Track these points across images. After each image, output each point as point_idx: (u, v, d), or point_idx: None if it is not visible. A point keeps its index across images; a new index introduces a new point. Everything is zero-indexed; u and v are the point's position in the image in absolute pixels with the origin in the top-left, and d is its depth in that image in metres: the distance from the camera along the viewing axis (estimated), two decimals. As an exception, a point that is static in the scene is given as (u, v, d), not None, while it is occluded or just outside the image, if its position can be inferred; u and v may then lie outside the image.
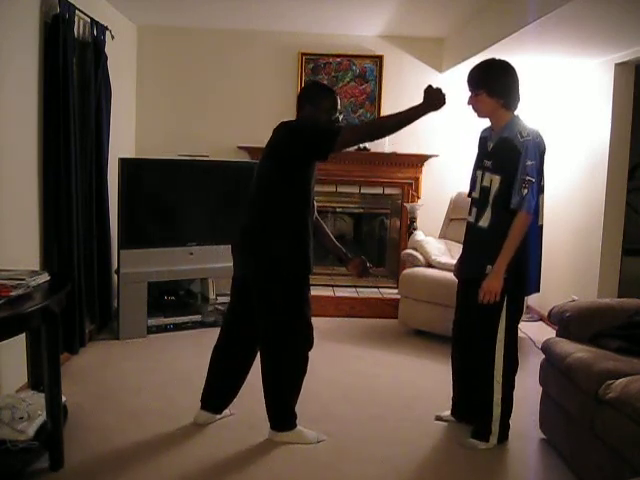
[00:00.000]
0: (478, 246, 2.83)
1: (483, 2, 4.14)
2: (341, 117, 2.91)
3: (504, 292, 2.72)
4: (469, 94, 2.81)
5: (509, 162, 2.68)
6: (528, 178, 2.63)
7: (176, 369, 3.72)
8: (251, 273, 2.83)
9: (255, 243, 2.79)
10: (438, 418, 3.14)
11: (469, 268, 2.91)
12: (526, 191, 2.63)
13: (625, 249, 4.50)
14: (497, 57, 2.60)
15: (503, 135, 2.73)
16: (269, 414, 2.89)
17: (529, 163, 2.63)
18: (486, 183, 2.78)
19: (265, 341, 2.85)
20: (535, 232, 2.79)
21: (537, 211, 2.75)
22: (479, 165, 2.87)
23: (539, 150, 2.70)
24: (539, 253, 2.88)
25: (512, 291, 2.76)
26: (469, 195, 2.96)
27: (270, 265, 2.76)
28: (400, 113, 2.61)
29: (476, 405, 2.92)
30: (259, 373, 2.89)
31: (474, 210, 2.86)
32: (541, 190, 2.77)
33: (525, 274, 2.79)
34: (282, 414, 2.88)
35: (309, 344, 2.89)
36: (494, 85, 2.72)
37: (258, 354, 2.94)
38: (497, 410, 2.82)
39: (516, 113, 2.79)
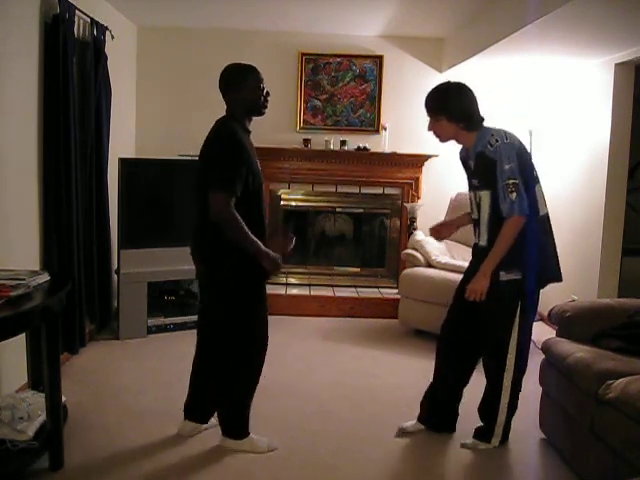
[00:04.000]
0: (482, 262, 2.77)
1: (483, 2, 4.14)
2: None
3: (519, 296, 2.70)
4: (428, 120, 2.77)
5: (491, 175, 2.65)
6: (511, 181, 2.59)
7: (176, 369, 3.71)
8: (201, 279, 2.82)
9: (200, 251, 2.73)
10: (402, 431, 3.01)
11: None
12: (515, 194, 2.59)
13: (625, 249, 4.50)
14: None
15: (477, 150, 2.71)
16: (222, 420, 2.81)
17: (506, 167, 2.60)
18: (478, 201, 2.77)
19: (218, 345, 2.79)
20: (534, 228, 2.74)
21: (535, 203, 2.71)
22: (470, 186, 2.85)
23: (515, 149, 2.65)
24: (551, 242, 2.81)
25: (524, 294, 2.72)
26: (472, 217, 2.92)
27: (217, 271, 2.68)
28: (251, 240, 2.53)
29: (482, 406, 2.91)
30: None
31: (476, 230, 2.84)
32: (536, 180, 2.74)
33: (526, 275, 2.77)
34: (236, 422, 2.80)
35: (263, 347, 2.79)
36: (453, 110, 2.69)
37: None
38: (502, 415, 2.82)
39: (485, 124, 2.75)
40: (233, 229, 2.52)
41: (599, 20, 3.43)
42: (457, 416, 3.02)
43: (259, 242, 2.57)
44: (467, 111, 2.70)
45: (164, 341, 4.32)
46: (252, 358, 2.76)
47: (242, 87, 2.68)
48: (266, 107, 2.76)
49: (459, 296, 2.92)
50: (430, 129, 2.78)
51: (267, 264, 2.59)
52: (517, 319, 2.72)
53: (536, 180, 2.75)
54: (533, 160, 2.79)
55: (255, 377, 2.80)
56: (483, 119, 2.75)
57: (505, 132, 2.69)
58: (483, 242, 2.77)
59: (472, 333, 2.87)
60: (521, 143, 2.72)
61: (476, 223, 2.84)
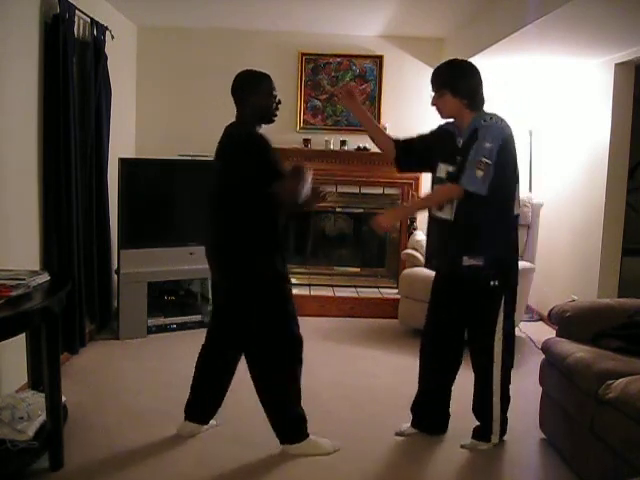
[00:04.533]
0: (447, 239, 2.77)
1: (483, 2, 4.14)
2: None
3: (500, 290, 2.71)
4: (433, 96, 2.75)
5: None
6: (485, 160, 2.56)
7: (176, 369, 3.71)
8: (227, 289, 2.77)
9: (225, 260, 2.70)
10: (399, 434, 3.02)
11: (444, 262, 2.85)
12: (481, 173, 2.56)
13: (625, 249, 4.50)
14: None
15: (472, 127, 2.68)
16: (275, 429, 2.77)
17: (487, 145, 2.57)
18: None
19: (254, 353, 2.75)
20: (518, 221, 2.79)
21: (514, 200, 2.72)
22: (450, 161, 2.75)
23: (503, 136, 2.63)
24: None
25: (506, 286, 2.74)
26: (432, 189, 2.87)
27: (245, 279, 2.67)
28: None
29: (475, 405, 2.91)
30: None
31: (449, 206, 2.74)
32: (517, 180, 2.75)
33: (513, 266, 2.79)
34: (288, 425, 2.79)
35: (299, 345, 2.77)
36: (458, 85, 2.67)
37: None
38: (497, 410, 2.81)
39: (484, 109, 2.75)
40: (292, 199, 2.56)
41: (599, 20, 3.43)
42: (449, 416, 3.01)
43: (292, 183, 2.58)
44: (472, 88, 2.70)
45: (164, 341, 4.32)
46: (283, 358, 2.74)
47: (256, 92, 2.70)
48: (276, 115, 2.80)
49: (436, 290, 2.96)
50: (433, 103, 2.76)
51: (312, 196, 2.64)
52: (502, 311, 2.72)
53: (517, 179, 2.75)
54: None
55: (290, 377, 2.76)
56: (484, 102, 2.74)
57: (503, 119, 2.69)
58: (447, 215, 2.71)
59: (454, 328, 2.88)
60: (512, 136, 2.69)
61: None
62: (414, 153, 2.92)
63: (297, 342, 2.76)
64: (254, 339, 2.74)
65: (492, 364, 2.76)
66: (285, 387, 2.76)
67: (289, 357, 2.75)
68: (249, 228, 2.64)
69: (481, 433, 2.88)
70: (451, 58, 2.82)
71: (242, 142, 2.64)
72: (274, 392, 2.77)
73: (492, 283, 2.70)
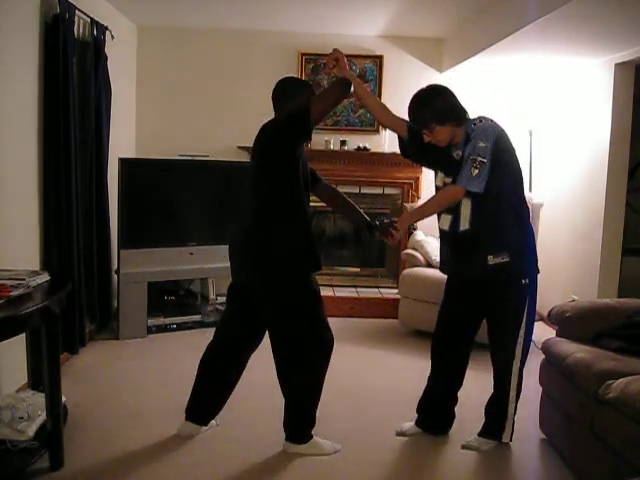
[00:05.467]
0: (468, 247, 2.76)
1: (483, 2, 4.14)
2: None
3: (529, 287, 2.73)
4: (424, 133, 2.73)
5: None
6: (480, 159, 2.58)
7: (176, 369, 3.72)
8: (260, 288, 2.72)
9: (259, 258, 2.66)
10: (400, 434, 3.02)
11: (469, 269, 2.82)
12: (477, 172, 2.58)
13: (625, 249, 4.50)
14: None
15: (465, 137, 2.69)
16: (287, 426, 2.79)
17: (481, 145, 2.59)
18: None
19: (283, 351, 2.73)
20: (528, 212, 2.81)
21: (523, 193, 2.76)
22: (446, 171, 2.78)
23: (494, 132, 2.64)
24: None
25: (533, 284, 2.77)
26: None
27: (280, 277, 2.66)
28: (331, 88, 2.70)
29: (492, 402, 2.89)
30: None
31: (448, 218, 2.76)
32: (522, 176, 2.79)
33: (530, 259, 2.80)
34: (301, 426, 2.80)
35: (329, 346, 2.77)
36: (441, 113, 2.67)
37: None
38: (512, 407, 2.81)
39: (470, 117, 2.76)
40: (325, 100, 2.61)
41: (600, 20, 3.43)
42: (453, 418, 3.02)
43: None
44: (451, 107, 2.70)
45: (164, 341, 4.32)
46: (320, 356, 2.74)
47: (296, 99, 2.66)
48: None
49: (450, 293, 2.95)
50: (428, 140, 2.75)
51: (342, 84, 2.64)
52: (527, 304, 2.73)
53: (522, 175, 2.78)
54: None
55: (315, 380, 2.76)
56: (466, 111, 2.75)
57: (491, 119, 2.70)
58: (464, 226, 2.72)
59: (467, 331, 2.89)
60: (504, 132, 2.69)
61: (450, 210, 2.76)
62: (420, 141, 2.85)
63: (321, 345, 2.76)
64: (289, 338, 2.72)
65: (512, 361, 2.76)
66: (314, 388, 2.77)
67: (318, 358, 2.75)
68: (281, 224, 2.64)
69: (492, 431, 2.87)
70: (415, 93, 2.76)
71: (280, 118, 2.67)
72: (303, 391, 2.77)
73: (524, 281, 2.72)
